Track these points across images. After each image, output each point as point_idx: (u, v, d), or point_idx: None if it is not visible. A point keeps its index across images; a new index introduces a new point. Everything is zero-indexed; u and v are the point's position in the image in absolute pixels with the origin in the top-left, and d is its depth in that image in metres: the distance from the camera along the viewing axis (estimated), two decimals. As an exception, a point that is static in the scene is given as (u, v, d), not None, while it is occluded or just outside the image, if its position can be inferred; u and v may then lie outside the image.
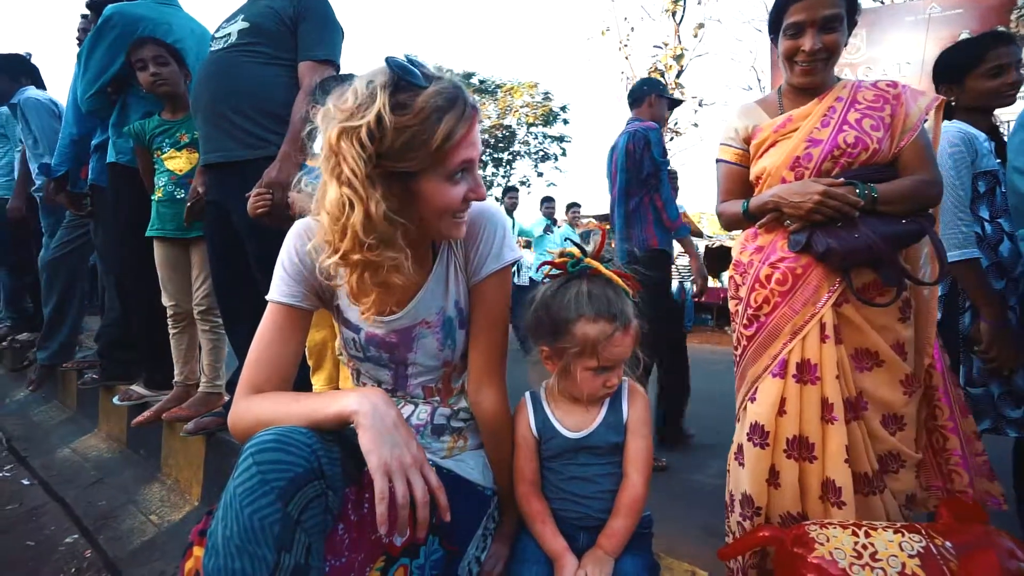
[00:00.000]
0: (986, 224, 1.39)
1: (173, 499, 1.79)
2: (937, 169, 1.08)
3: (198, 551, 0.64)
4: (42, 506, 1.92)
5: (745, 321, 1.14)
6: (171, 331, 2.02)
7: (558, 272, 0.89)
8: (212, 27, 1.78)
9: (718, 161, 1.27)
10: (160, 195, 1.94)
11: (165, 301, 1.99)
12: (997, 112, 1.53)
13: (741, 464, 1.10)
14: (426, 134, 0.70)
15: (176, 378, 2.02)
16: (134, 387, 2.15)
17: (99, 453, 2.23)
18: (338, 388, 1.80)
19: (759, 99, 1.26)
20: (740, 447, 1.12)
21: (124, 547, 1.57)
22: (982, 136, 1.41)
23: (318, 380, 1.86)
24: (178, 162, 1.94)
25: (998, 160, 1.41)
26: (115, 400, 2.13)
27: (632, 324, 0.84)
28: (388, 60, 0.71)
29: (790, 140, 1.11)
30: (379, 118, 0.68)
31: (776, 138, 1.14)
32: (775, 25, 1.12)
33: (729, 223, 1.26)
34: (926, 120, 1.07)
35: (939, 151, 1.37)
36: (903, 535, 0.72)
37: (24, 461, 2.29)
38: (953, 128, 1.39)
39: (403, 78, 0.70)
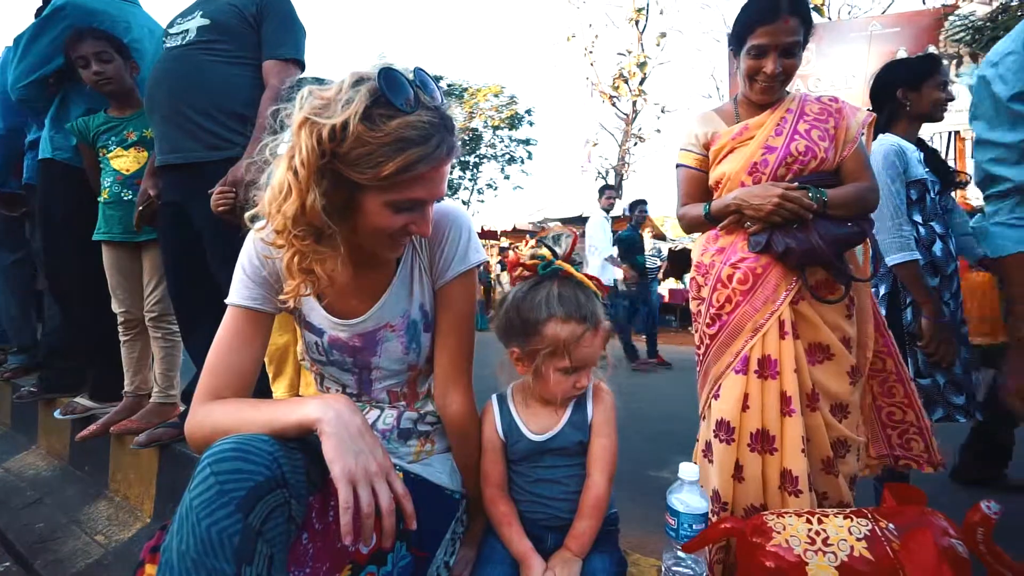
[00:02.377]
0: (920, 227, 1.51)
1: (122, 517, 1.68)
2: (874, 177, 1.16)
3: (150, 569, 0.61)
4: (-30, 532, 1.77)
5: (708, 320, 1.18)
6: (122, 339, 1.91)
7: (529, 274, 0.90)
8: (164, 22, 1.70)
9: (679, 166, 1.32)
10: (106, 196, 1.83)
11: (115, 308, 1.88)
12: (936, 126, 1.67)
13: (710, 461, 1.14)
14: (381, 158, 0.68)
15: (126, 388, 1.91)
16: (78, 399, 2.02)
17: (37, 471, 2.08)
18: (299, 395, 1.75)
19: (716, 108, 1.32)
20: (708, 444, 1.15)
21: (65, 571, 1.46)
22: (911, 147, 1.52)
23: (279, 387, 1.80)
24: (125, 161, 1.84)
25: (927, 169, 1.54)
26: (56, 414, 1.99)
27: (602, 325, 0.86)
28: (382, 71, 0.67)
29: (747, 147, 1.17)
30: (345, 124, 0.66)
31: (734, 145, 1.19)
32: (738, 41, 1.16)
33: (690, 226, 1.30)
34: (863, 134, 1.15)
35: (877, 164, 1.47)
36: (852, 520, 0.76)
37: (-51, 483, 2.11)
38: (887, 142, 1.51)
39: (385, 95, 0.67)
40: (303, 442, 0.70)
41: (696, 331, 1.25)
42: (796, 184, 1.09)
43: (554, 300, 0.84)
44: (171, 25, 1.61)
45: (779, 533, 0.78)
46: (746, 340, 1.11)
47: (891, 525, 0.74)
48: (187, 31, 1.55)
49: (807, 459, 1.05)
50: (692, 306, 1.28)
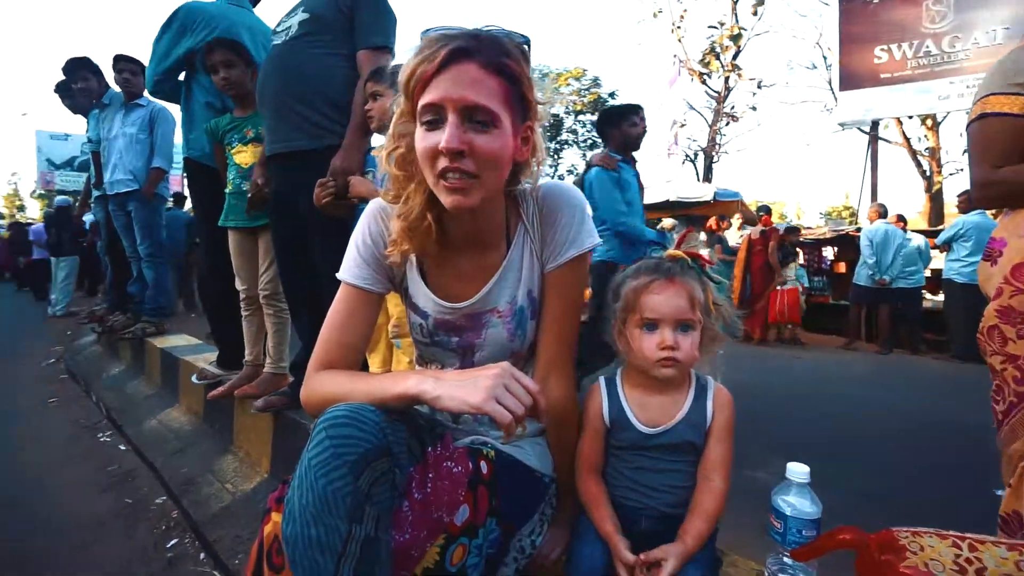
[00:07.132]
0: None
1: (245, 470, 1.91)
2: None
3: (276, 516, 0.67)
4: (135, 469, 2.12)
5: None
6: (243, 314, 2.15)
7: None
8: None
9: (987, 116, 0.99)
10: (230, 188, 2.07)
11: (238, 286, 2.13)
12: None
13: None
14: (403, 74, 0.72)
15: (247, 358, 2.15)
16: (208, 367, 2.33)
17: (180, 425, 2.43)
18: (390, 371, 1.85)
19: None
20: None
21: (205, 511, 1.70)
22: None
23: (372, 363, 1.92)
24: (244, 156, 2.06)
25: None
26: (193, 379, 2.31)
27: (680, 278, 0.85)
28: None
29: None
30: (396, 70, 0.76)
31: None
32: None
33: (1011, 195, 0.99)
34: None
35: None
36: (1020, 553, 0.64)
37: (120, 429, 2.55)
38: None
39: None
40: (405, 415, 0.74)
41: None
42: None
43: (634, 266, 0.86)
44: (278, 24, 1.75)
45: (915, 554, 0.68)
46: None
47: (1076, 563, 0.61)
48: (290, 27, 1.67)
49: None
50: None
